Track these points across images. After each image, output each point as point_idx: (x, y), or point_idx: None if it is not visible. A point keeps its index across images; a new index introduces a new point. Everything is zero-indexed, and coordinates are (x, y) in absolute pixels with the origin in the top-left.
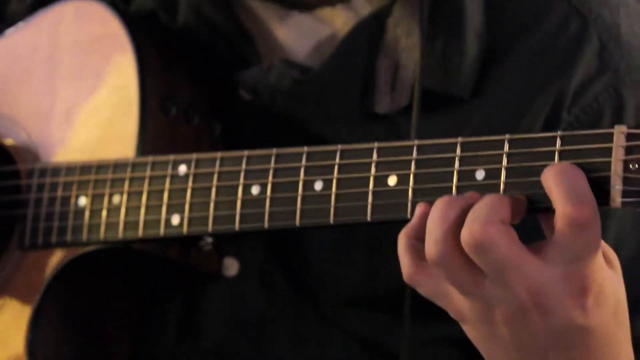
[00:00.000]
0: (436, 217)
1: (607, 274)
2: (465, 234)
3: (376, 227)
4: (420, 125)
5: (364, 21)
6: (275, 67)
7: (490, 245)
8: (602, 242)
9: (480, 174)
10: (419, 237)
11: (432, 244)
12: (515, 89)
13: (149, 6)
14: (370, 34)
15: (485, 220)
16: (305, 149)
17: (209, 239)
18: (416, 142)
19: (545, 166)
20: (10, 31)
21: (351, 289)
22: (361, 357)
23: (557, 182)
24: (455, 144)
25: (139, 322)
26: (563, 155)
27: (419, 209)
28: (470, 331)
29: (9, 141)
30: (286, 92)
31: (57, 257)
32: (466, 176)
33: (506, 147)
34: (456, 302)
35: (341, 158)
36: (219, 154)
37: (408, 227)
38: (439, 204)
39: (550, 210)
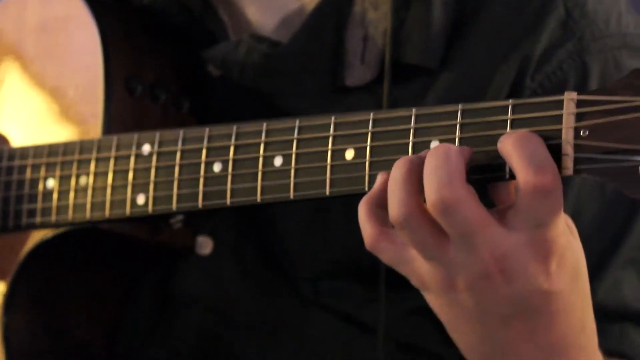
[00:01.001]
0: (398, 177)
1: (568, 238)
2: (432, 196)
3: (351, 200)
4: (390, 97)
5: None
6: (244, 41)
7: (457, 207)
8: None
9: (434, 145)
10: (380, 204)
11: (396, 206)
12: (481, 56)
13: None
14: (338, 6)
15: (451, 180)
16: (264, 125)
17: (179, 216)
18: (372, 115)
19: (498, 135)
20: None
21: (325, 263)
22: (339, 332)
23: (516, 149)
24: (410, 116)
25: (115, 306)
26: (515, 124)
27: (381, 177)
28: (432, 299)
29: None
30: (256, 66)
31: (29, 241)
32: (421, 147)
33: (459, 118)
34: (419, 268)
35: (299, 133)
36: (181, 132)
37: (369, 194)
38: (400, 165)
39: (504, 180)
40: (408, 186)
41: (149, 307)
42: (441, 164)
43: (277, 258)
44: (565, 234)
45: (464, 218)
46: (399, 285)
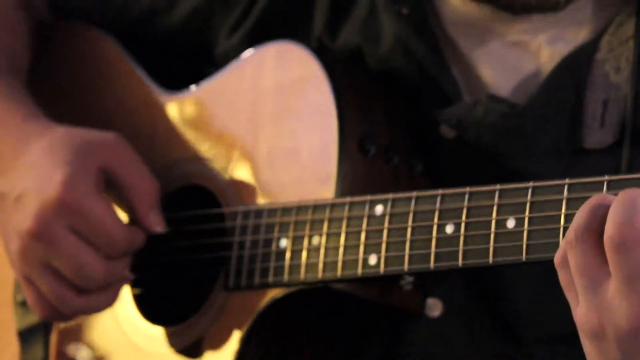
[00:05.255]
0: (589, 202)
1: None
2: (610, 230)
3: None
4: (632, 161)
5: (571, 56)
6: (482, 102)
7: (633, 246)
8: None
9: None
10: None
11: (575, 222)
12: None
13: (355, 41)
14: (577, 68)
15: (634, 220)
16: (498, 186)
17: (410, 278)
18: (606, 177)
19: None
20: (216, 75)
21: (553, 326)
22: None
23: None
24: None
25: None
26: None
27: None
28: (587, 345)
29: (213, 184)
30: (493, 126)
31: (259, 299)
32: None
33: None
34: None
35: (533, 195)
36: (414, 194)
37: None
38: (591, 199)
39: None
40: (591, 215)
41: None
42: (629, 203)
43: (508, 321)
44: None
45: (636, 261)
46: None
